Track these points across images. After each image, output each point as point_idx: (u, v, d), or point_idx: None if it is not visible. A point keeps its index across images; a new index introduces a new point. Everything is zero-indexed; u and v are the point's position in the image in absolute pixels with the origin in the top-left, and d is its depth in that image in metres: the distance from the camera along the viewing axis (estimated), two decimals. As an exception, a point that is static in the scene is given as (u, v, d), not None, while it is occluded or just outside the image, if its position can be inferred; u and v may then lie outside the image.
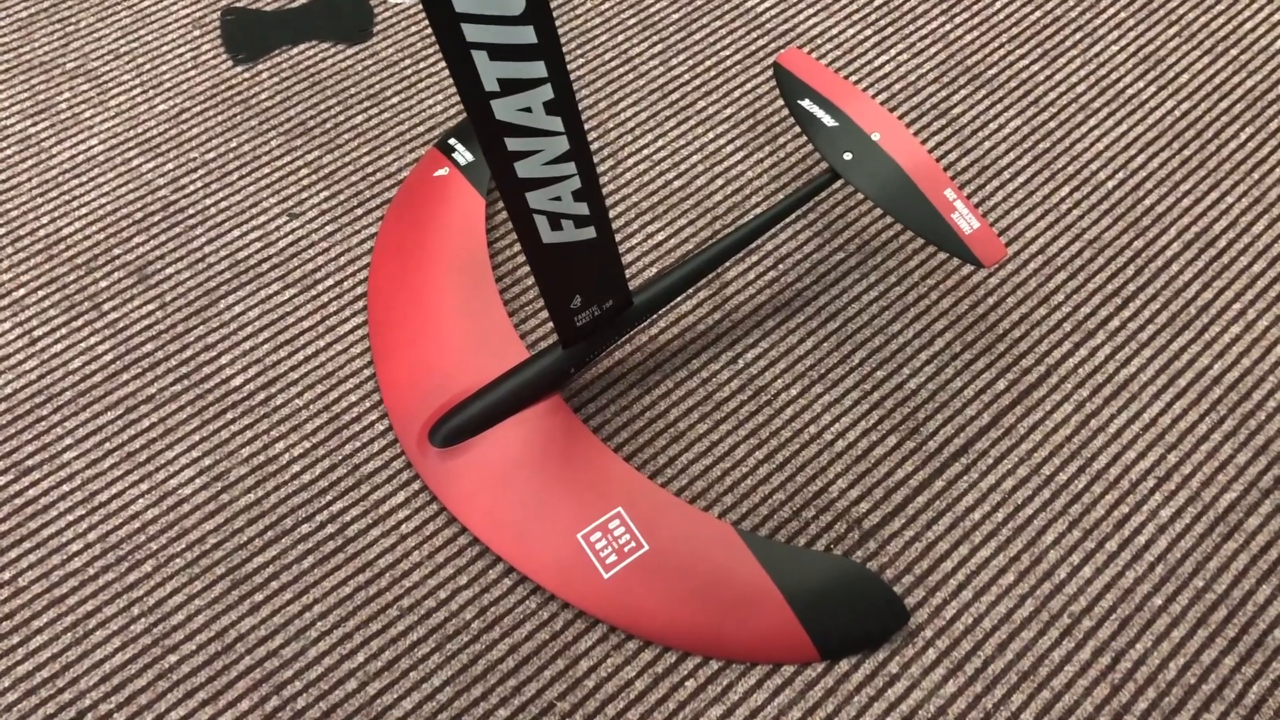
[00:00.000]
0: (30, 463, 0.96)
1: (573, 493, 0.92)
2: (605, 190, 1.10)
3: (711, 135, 1.16)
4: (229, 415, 0.98)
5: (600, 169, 1.12)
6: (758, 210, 1.10)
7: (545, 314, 1.04)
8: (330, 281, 1.05)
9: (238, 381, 0.99)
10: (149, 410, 0.98)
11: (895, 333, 1.03)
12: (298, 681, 0.86)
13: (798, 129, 1.16)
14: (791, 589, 0.88)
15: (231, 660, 0.87)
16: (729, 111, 1.17)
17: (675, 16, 1.25)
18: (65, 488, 0.95)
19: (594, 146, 1.13)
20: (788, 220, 1.10)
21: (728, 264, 1.07)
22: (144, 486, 0.94)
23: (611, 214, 1.08)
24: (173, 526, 0.92)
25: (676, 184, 1.12)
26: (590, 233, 0.81)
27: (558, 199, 0.77)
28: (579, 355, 0.96)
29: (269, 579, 0.90)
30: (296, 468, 0.95)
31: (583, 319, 0.92)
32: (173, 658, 0.87)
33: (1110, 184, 1.13)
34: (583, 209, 0.79)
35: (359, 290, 1.04)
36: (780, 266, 1.07)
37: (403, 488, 0.94)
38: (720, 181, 1.12)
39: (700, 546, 0.90)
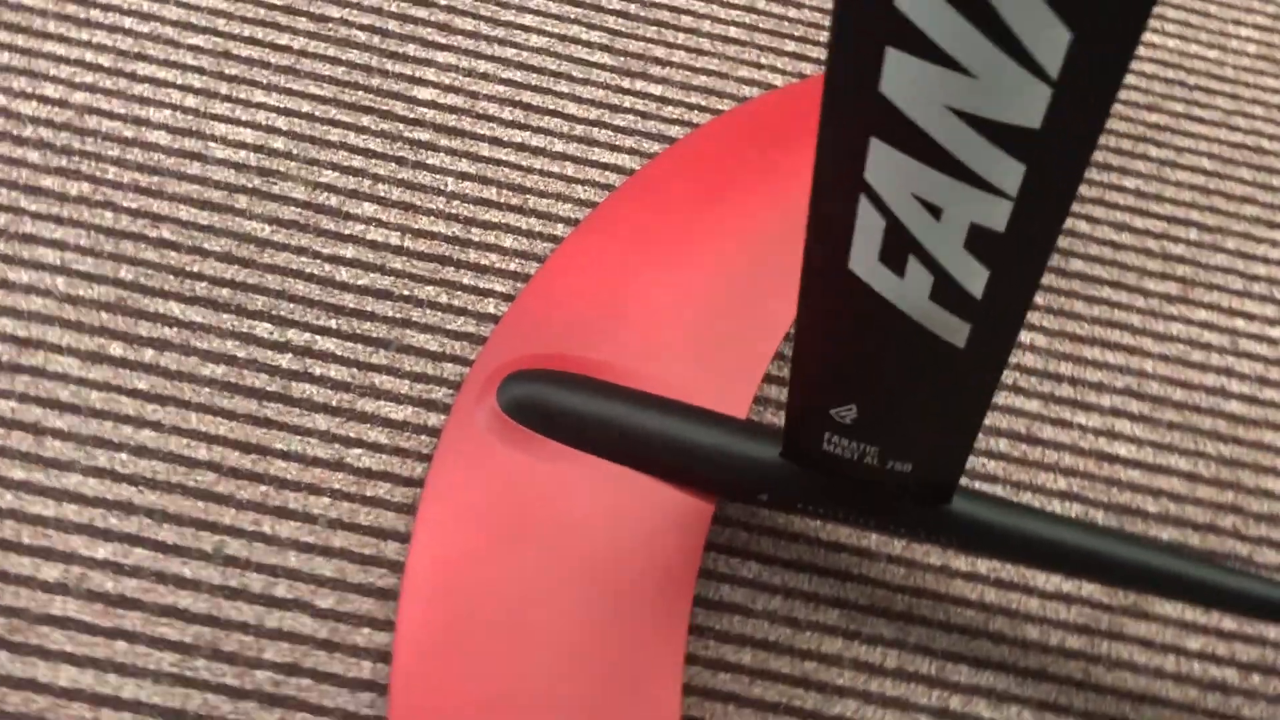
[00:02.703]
0: None
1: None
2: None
3: None
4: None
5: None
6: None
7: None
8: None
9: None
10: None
11: None
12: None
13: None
14: None
15: None
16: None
17: None
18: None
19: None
20: None
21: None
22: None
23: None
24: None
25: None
26: (959, 330, 0.38)
27: (938, 226, 0.34)
28: (793, 482, 0.52)
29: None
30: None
31: (836, 445, 0.48)
32: None
33: None
34: (975, 280, 0.36)
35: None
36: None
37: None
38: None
39: None
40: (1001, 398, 0.61)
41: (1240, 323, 0.65)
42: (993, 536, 0.50)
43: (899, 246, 0.36)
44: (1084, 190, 0.68)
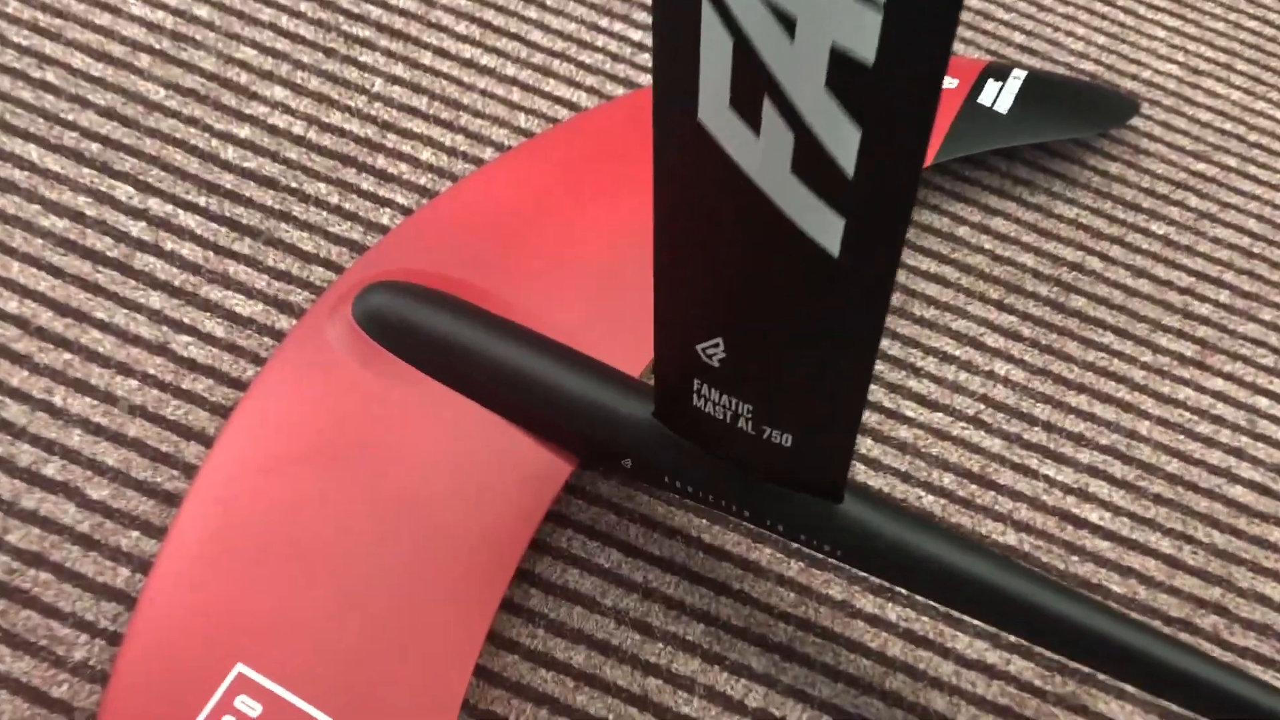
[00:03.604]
0: None
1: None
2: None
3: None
4: None
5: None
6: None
7: None
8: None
9: None
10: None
11: None
12: None
13: None
14: None
15: None
16: None
17: None
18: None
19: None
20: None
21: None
22: None
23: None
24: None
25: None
26: (832, 228, 0.29)
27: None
28: (661, 447, 0.43)
29: None
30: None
31: (707, 399, 0.39)
32: None
33: None
34: (845, 146, 0.27)
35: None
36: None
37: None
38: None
39: None
40: (957, 428, 0.52)
41: (1263, 401, 0.55)
42: (886, 550, 0.40)
43: (751, 84, 0.28)
44: (1100, 225, 0.59)
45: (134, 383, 0.46)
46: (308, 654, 0.40)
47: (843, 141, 0.28)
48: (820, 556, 0.47)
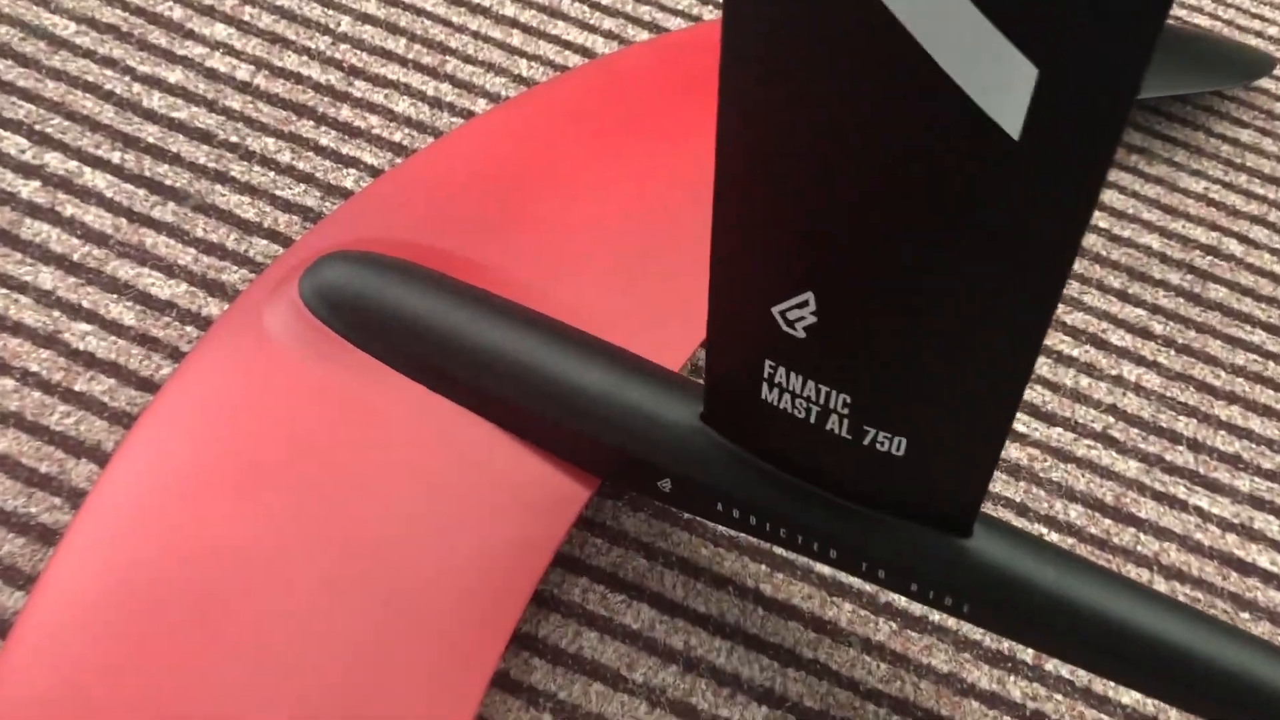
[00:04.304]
0: None
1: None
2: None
3: None
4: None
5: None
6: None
7: None
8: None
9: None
10: None
11: None
12: None
13: None
14: None
15: None
16: None
17: None
18: None
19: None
20: None
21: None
22: None
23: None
24: None
25: None
26: (1018, 84, 0.18)
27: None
28: (713, 460, 0.31)
29: None
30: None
31: (782, 389, 0.28)
32: None
33: None
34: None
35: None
36: None
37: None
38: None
39: None
40: (1082, 447, 0.40)
41: None
42: (1036, 602, 0.28)
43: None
44: (1236, 201, 0.48)
45: (9, 382, 0.35)
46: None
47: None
48: (918, 613, 0.35)
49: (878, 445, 0.27)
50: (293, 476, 0.32)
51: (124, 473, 0.33)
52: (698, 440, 0.30)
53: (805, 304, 0.25)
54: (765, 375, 0.27)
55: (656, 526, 0.36)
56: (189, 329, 0.37)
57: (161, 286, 0.38)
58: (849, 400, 0.26)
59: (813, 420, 0.27)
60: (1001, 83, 0.19)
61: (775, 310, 0.26)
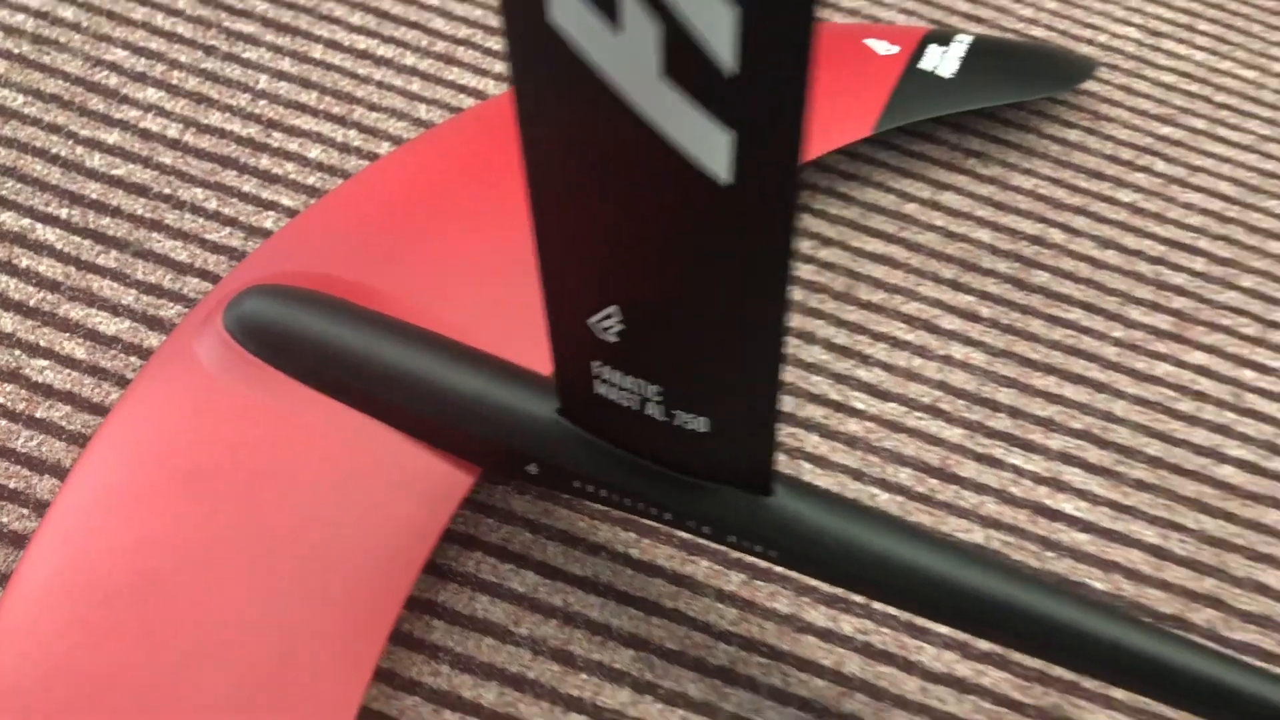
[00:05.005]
0: None
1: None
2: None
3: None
4: None
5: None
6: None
7: None
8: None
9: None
10: None
11: None
12: None
13: None
14: None
15: None
16: None
17: None
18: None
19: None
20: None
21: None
22: None
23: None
24: None
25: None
26: (717, 146, 0.24)
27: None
28: (566, 447, 0.37)
29: None
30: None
31: (610, 385, 0.34)
32: None
33: None
34: (719, 30, 0.22)
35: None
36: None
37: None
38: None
39: None
40: (912, 419, 0.46)
41: (1248, 374, 0.50)
42: (826, 547, 0.35)
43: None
44: (1062, 195, 0.54)
45: (-20, 413, 0.41)
46: (163, 716, 0.34)
47: (717, 25, 0.23)
48: (765, 566, 0.42)
49: (686, 425, 0.33)
50: (221, 482, 0.39)
51: (81, 485, 0.39)
52: (555, 430, 0.37)
53: (612, 315, 0.31)
54: (594, 374, 0.34)
55: (540, 506, 0.42)
56: (133, 359, 0.43)
57: (108, 324, 0.44)
58: (659, 390, 0.33)
59: (636, 408, 0.34)
60: (712, 146, 0.25)
61: (590, 322, 0.32)
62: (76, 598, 0.36)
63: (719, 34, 0.23)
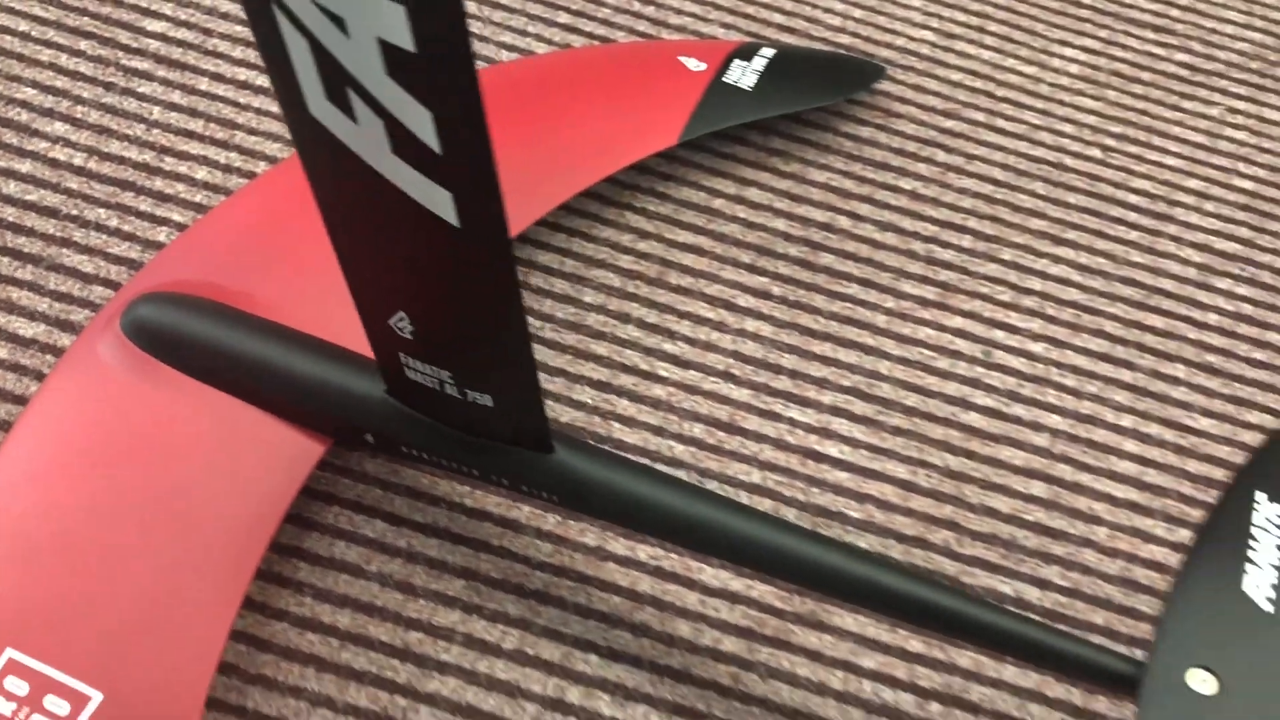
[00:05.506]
0: None
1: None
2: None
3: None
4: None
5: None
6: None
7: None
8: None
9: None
10: None
11: None
12: None
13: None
14: None
15: None
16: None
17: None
18: None
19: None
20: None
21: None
22: None
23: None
24: None
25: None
26: (444, 201, 0.33)
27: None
28: (394, 420, 0.47)
29: None
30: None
31: (416, 370, 0.43)
32: None
33: None
34: (423, 125, 0.31)
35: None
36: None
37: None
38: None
39: None
40: (708, 383, 0.56)
41: (999, 334, 0.60)
42: (596, 492, 0.44)
43: (334, 78, 0.32)
44: (850, 186, 0.64)
45: (-79, 407, 0.50)
46: (73, 635, 0.43)
47: (420, 122, 0.32)
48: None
49: (477, 401, 0.43)
50: (120, 455, 0.48)
51: (5, 462, 0.48)
52: (383, 407, 0.46)
53: (403, 318, 0.40)
54: (403, 362, 0.43)
55: (389, 467, 0.51)
56: (49, 357, 0.52)
57: (26, 328, 0.53)
58: (450, 375, 0.42)
59: (437, 388, 0.43)
60: (441, 202, 0.34)
61: (390, 323, 0.41)
62: (6, 550, 0.45)
63: (424, 128, 0.32)
